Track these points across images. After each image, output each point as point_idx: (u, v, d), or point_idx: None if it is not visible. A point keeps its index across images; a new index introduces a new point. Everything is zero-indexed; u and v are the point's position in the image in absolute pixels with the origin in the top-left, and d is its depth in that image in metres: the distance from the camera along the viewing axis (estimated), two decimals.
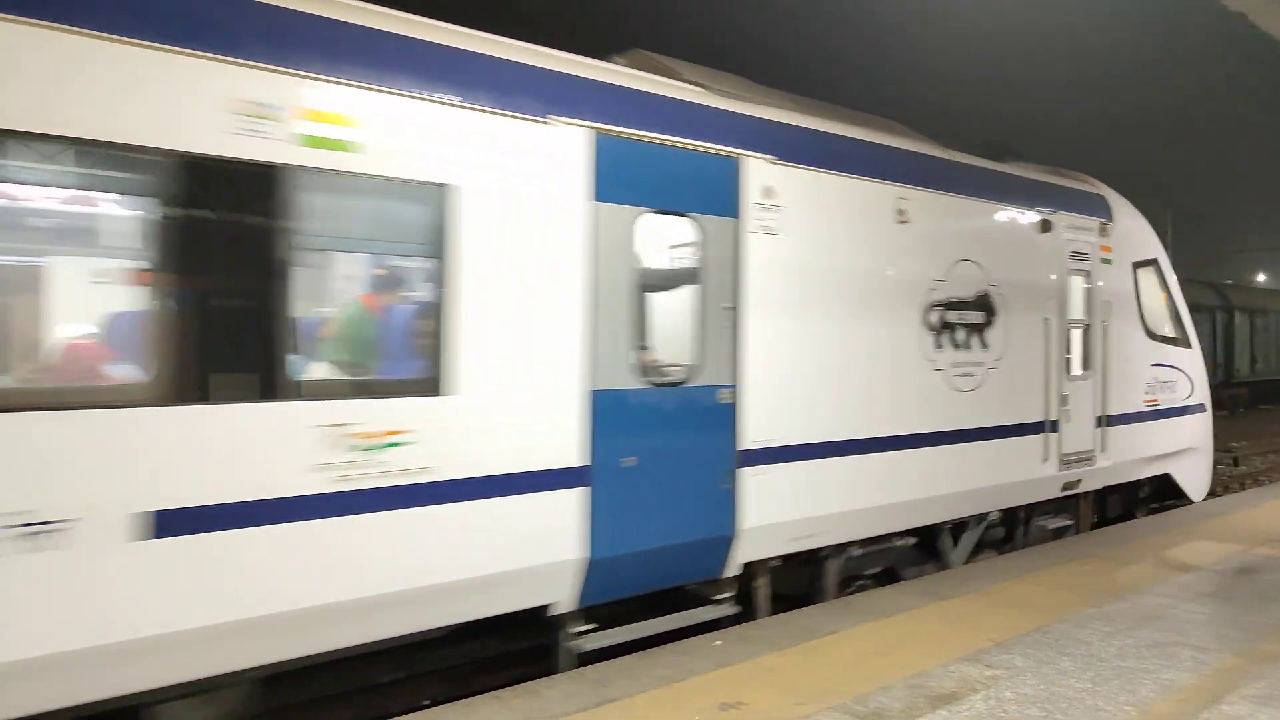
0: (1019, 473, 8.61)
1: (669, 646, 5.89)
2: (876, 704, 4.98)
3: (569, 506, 5.40)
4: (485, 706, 4.90)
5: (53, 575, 3.79)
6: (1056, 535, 9.74)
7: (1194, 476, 11.38)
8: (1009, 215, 8.54)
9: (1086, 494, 9.88)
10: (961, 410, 7.99)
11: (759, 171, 6.45)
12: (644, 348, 5.91)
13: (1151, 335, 10.41)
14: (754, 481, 6.38)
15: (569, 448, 5.40)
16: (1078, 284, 9.49)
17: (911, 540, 7.91)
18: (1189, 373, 11.10)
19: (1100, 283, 9.62)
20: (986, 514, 8.61)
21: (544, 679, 5.34)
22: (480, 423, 5.04)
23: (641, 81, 5.97)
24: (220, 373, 4.25)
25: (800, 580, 7.30)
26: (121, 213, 4.34)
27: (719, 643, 5.91)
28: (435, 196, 4.92)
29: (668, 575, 6.09)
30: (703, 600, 6.47)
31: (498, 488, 5.08)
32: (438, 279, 4.95)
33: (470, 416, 4.99)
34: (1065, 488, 9.26)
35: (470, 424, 5.00)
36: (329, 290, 5.24)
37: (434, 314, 4.96)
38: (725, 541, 6.27)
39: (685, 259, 6.17)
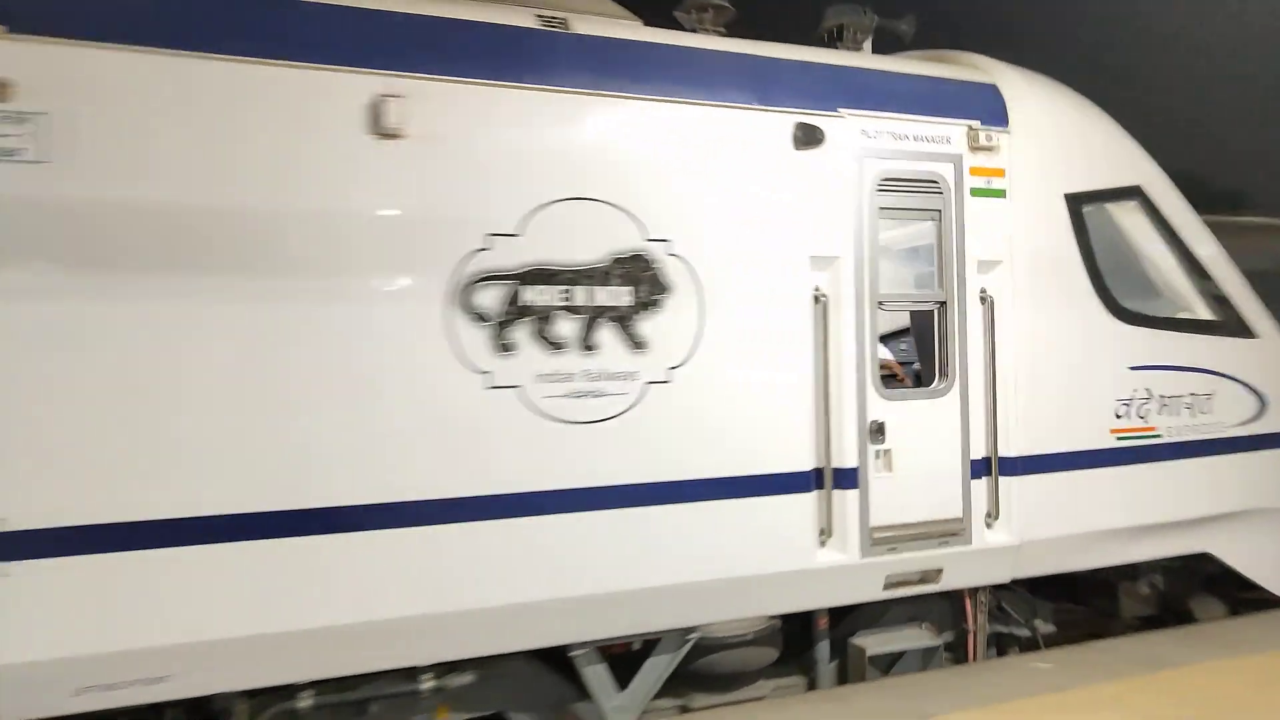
0: (742, 562, 4.97)
1: (988, 663, 5.80)
2: None
3: None
4: (797, 707, 5.11)
5: None
6: (923, 662, 5.79)
7: (1269, 554, 6.67)
8: (704, 121, 4.97)
9: (974, 592, 5.83)
10: (572, 456, 4.62)
11: None
12: None
13: (1129, 317, 6.06)
14: None
15: None
16: (914, 234, 5.60)
17: (464, 679, 4.64)
18: (1249, 380, 6.49)
19: (973, 230, 5.60)
20: (690, 630, 5.06)
21: (853, 684, 5.38)
22: None
23: None
24: None
25: None
26: None
27: (1046, 665, 5.56)
28: None
29: None
30: None
31: None
32: None
33: None
34: (896, 585, 5.38)
35: None
36: None
37: None
38: None
39: None
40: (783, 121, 5.09)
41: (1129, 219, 6.22)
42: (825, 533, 5.12)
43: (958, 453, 5.46)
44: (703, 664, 5.21)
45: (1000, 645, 6.12)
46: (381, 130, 4.29)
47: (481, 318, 4.44)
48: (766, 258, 5.04)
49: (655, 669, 5.05)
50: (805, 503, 5.09)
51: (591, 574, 4.63)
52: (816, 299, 5.16)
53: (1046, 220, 5.81)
